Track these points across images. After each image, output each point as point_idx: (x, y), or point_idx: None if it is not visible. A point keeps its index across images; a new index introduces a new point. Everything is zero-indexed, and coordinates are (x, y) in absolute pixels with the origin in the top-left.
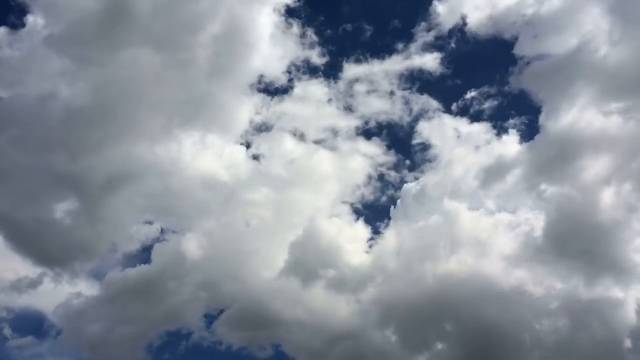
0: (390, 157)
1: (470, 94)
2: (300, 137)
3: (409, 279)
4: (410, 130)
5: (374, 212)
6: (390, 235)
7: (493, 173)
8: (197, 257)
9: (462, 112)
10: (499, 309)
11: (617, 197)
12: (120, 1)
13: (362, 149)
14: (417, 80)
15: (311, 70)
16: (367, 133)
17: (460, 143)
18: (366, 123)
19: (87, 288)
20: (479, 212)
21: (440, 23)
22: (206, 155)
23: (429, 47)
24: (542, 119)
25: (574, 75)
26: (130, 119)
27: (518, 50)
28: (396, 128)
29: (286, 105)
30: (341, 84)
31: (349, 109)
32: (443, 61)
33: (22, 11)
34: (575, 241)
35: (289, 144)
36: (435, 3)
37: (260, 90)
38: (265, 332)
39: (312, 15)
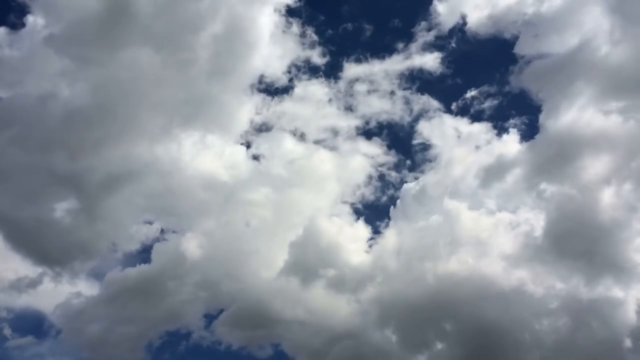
0: (391, 157)
1: (471, 94)
2: (301, 137)
3: (409, 278)
4: (411, 130)
5: (375, 212)
6: (391, 235)
7: (493, 173)
8: (197, 257)
9: (463, 111)
10: (499, 309)
11: (618, 196)
12: (120, 1)
13: (362, 149)
14: (417, 80)
15: (312, 70)
16: (367, 133)
17: (460, 143)
18: (367, 123)
19: (87, 288)
20: (479, 211)
21: (441, 22)
22: (206, 155)
23: (429, 47)
24: (542, 118)
25: (575, 75)
26: (130, 119)
27: (518, 50)
28: (397, 128)
29: (287, 105)
30: (341, 84)
31: (349, 108)
32: (443, 61)
33: (22, 11)
34: (576, 241)
35: (289, 144)
36: (435, 2)
37: (260, 91)
38: (265, 332)
39: (312, 15)
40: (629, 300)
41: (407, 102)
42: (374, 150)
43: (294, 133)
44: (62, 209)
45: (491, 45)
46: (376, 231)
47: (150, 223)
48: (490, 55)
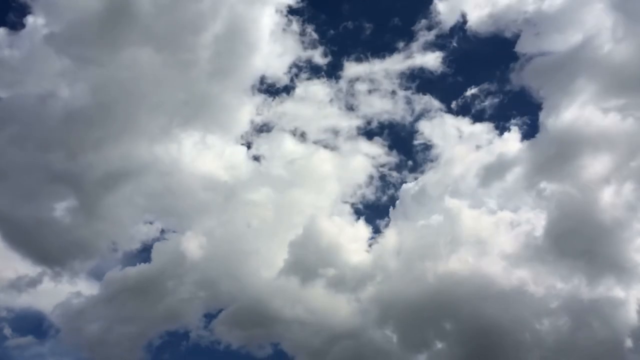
0: (392, 158)
1: (471, 92)
2: (302, 137)
3: (410, 278)
4: (412, 129)
5: (375, 212)
6: (391, 234)
7: (494, 171)
8: (197, 256)
9: (464, 111)
10: (499, 309)
11: (619, 195)
12: (120, 1)
13: (363, 149)
14: (418, 79)
15: (313, 70)
16: (369, 133)
17: (461, 141)
18: (368, 123)
19: (86, 287)
20: (480, 210)
21: (441, 21)
22: (207, 155)
23: (430, 46)
24: (542, 116)
25: (576, 73)
26: (130, 119)
27: (519, 49)
28: (398, 128)
29: (287, 106)
30: (342, 83)
31: (350, 108)
32: (445, 60)
33: (22, 11)
34: (576, 240)
35: (290, 144)
36: (435, 1)
37: (261, 91)
38: (265, 331)
39: (313, 14)
40: (630, 300)
41: (409, 101)
42: (375, 151)
43: (294, 133)
44: (62, 208)
45: (492, 44)
46: (376, 230)
47: (150, 223)
48: (491, 54)
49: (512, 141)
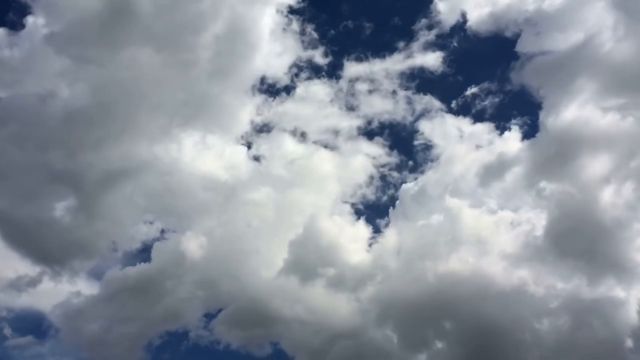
0: (393, 158)
1: (471, 92)
2: (302, 137)
3: (410, 277)
4: (412, 129)
5: (375, 212)
6: (391, 234)
7: (494, 171)
8: (197, 256)
9: (464, 110)
10: (499, 308)
11: (620, 195)
12: (120, 1)
13: (364, 149)
14: (418, 79)
15: (313, 70)
16: (369, 133)
17: (462, 141)
18: (369, 123)
19: (86, 287)
20: (480, 210)
21: (441, 21)
22: (207, 155)
23: (430, 46)
24: (542, 116)
25: (577, 72)
26: (130, 119)
27: (520, 48)
28: (398, 128)
29: (288, 106)
30: (342, 83)
31: (350, 108)
32: (445, 60)
33: (22, 11)
34: (577, 240)
35: (290, 144)
36: (436, 1)
37: (261, 91)
38: (265, 331)
39: (313, 14)
40: (631, 300)
41: (409, 101)
42: (376, 151)
43: (294, 133)
44: (62, 208)
45: (492, 44)
46: (376, 230)
47: (150, 223)
48: (492, 54)
49: (512, 141)
